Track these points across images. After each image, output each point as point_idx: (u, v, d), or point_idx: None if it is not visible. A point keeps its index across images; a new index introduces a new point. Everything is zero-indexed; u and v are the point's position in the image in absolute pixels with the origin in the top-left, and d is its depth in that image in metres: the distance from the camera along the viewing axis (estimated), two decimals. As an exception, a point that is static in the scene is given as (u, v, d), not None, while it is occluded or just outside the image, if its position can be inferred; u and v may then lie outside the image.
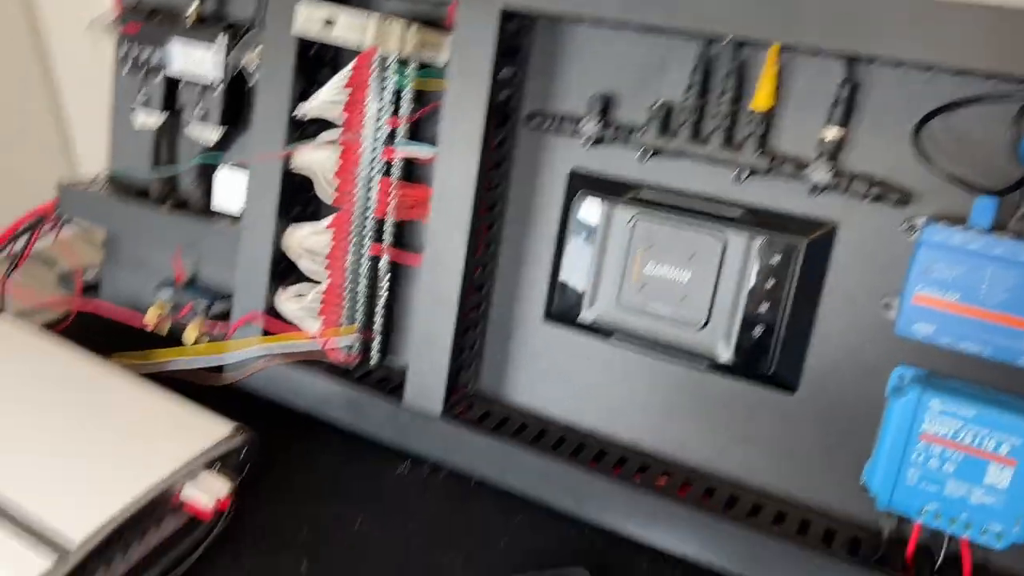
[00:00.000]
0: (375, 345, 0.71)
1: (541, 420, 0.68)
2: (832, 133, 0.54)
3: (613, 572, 0.60)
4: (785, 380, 0.59)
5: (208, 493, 0.60)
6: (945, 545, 0.54)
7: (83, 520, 0.55)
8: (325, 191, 0.69)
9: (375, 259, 0.69)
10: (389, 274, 0.69)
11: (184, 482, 0.60)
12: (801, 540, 0.56)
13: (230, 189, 0.75)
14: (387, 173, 0.67)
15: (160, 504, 0.58)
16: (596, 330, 0.64)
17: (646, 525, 0.60)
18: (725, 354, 0.60)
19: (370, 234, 0.68)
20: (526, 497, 0.64)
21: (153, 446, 0.62)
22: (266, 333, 0.72)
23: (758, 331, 0.58)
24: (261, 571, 0.58)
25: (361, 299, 0.70)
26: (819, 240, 0.57)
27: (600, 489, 0.61)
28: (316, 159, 0.68)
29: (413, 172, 0.69)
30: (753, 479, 0.61)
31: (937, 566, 0.54)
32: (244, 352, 0.72)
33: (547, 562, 0.60)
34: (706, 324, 0.60)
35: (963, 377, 0.54)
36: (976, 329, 0.50)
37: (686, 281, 0.60)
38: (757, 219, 0.58)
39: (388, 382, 0.70)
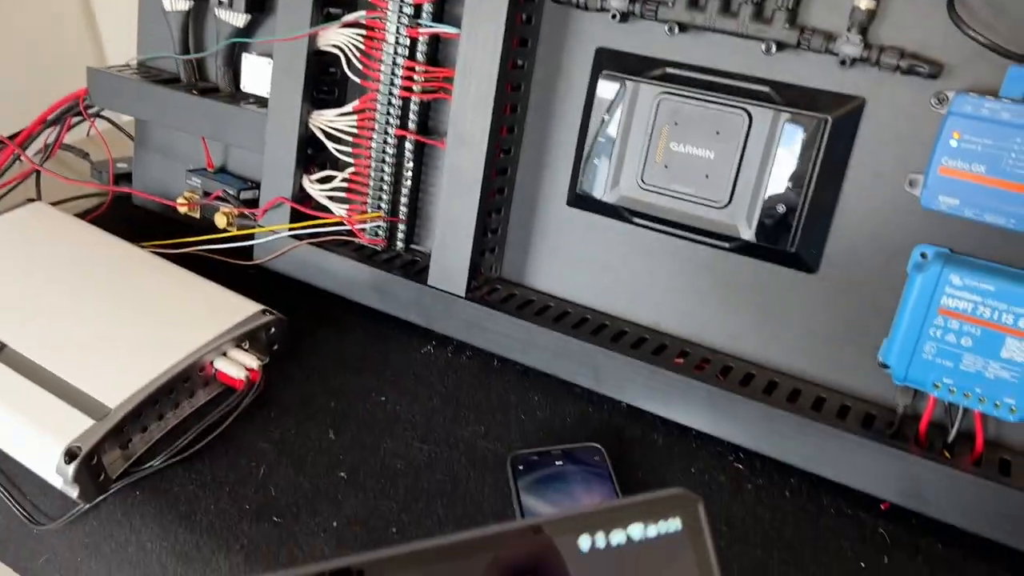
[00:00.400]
0: (401, 229, 0.72)
1: (563, 303, 0.69)
2: (864, 3, 0.53)
3: (628, 447, 0.61)
4: (806, 260, 0.59)
5: (238, 367, 0.62)
6: (959, 420, 0.55)
7: (118, 389, 0.58)
8: (353, 71, 0.69)
9: (401, 143, 0.70)
10: (414, 158, 0.70)
11: (213, 357, 0.62)
12: (815, 415, 0.57)
13: (257, 74, 0.76)
14: (412, 55, 0.67)
15: (190, 376, 0.61)
16: (619, 212, 0.64)
17: (662, 401, 0.61)
18: (747, 233, 0.60)
19: (396, 116, 0.68)
20: (543, 375, 0.66)
21: (183, 324, 0.64)
22: (295, 217, 0.73)
23: (780, 209, 0.58)
24: (290, 438, 0.60)
25: (387, 183, 0.70)
26: (846, 116, 0.56)
27: (618, 366, 0.62)
28: (341, 39, 0.68)
29: (439, 54, 0.68)
30: (770, 359, 0.62)
31: (950, 439, 0.55)
32: (272, 235, 0.73)
33: (564, 438, 0.62)
34: (729, 202, 0.60)
35: (984, 255, 0.54)
36: (1001, 201, 0.49)
37: (710, 159, 0.59)
38: (783, 96, 0.57)
39: (414, 265, 0.71)
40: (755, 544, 0.54)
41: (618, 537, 0.28)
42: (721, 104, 0.58)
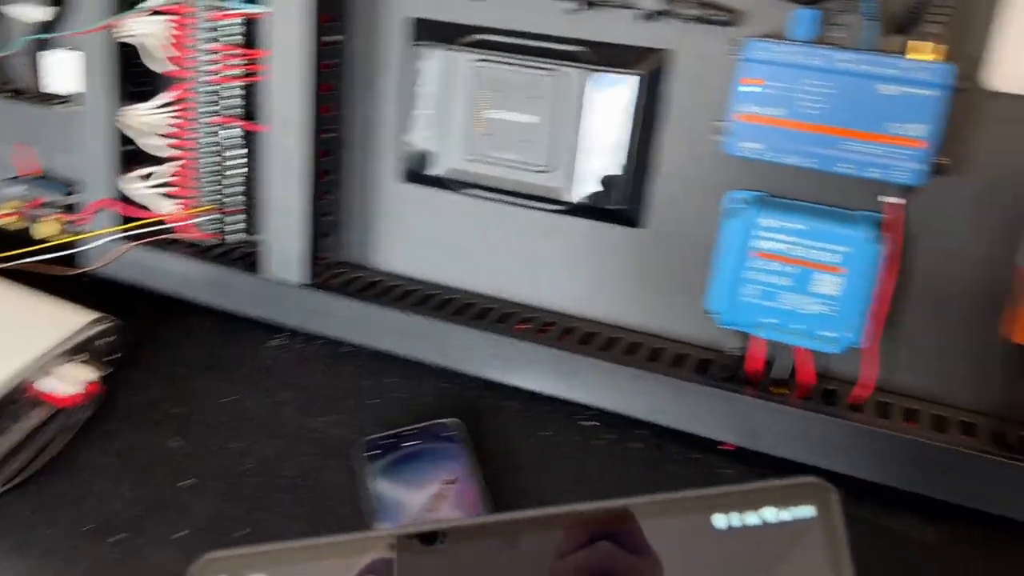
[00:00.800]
0: (235, 221, 0.70)
1: (408, 281, 0.68)
2: (656, -45, 0.53)
3: (483, 418, 0.61)
4: (631, 216, 0.60)
5: (70, 383, 0.59)
6: (785, 357, 0.56)
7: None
8: (156, 61, 0.66)
9: (224, 131, 0.67)
10: (241, 145, 0.67)
11: (41, 375, 0.59)
12: (652, 366, 0.58)
13: (64, 71, 0.72)
14: (223, 39, 0.64)
15: (17, 399, 0.58)
16: (448, 184, 0.64)
17: (507, 369, 0.61)
18: (571, 194, 0.60)
19: (213, 104, 0.66)
20: (396, 356, 0.65)
21: (8, 344, 0.60)
22: (124, 219, 0.70)
23: (601, 168, 0.58)
24: (133, 450, 0.58)
25: (215, 174, 0.68)
26: (656, 70, 0.56)
27: (462, 339, 0.62)
28: (146, 28, 0.65)
29: (254, 35, 0.66)
30: (609, 315, 0.63)
31: (778, 376, 0.57)
32: (99, 240, 0.70)
33: (421, 416, 0.61)
34: (551, 165, 0.60)
35: (792, 196, 0.55)
36: (799, 142, 0.50)
37: (528, 124, 0.59)
38: (595, 54, 0.57)
39: (251, 257, 0.69)
40: (605, 497, 0.55)
41: (752, 518, 0.28)
42: (533, 67, 0.58)
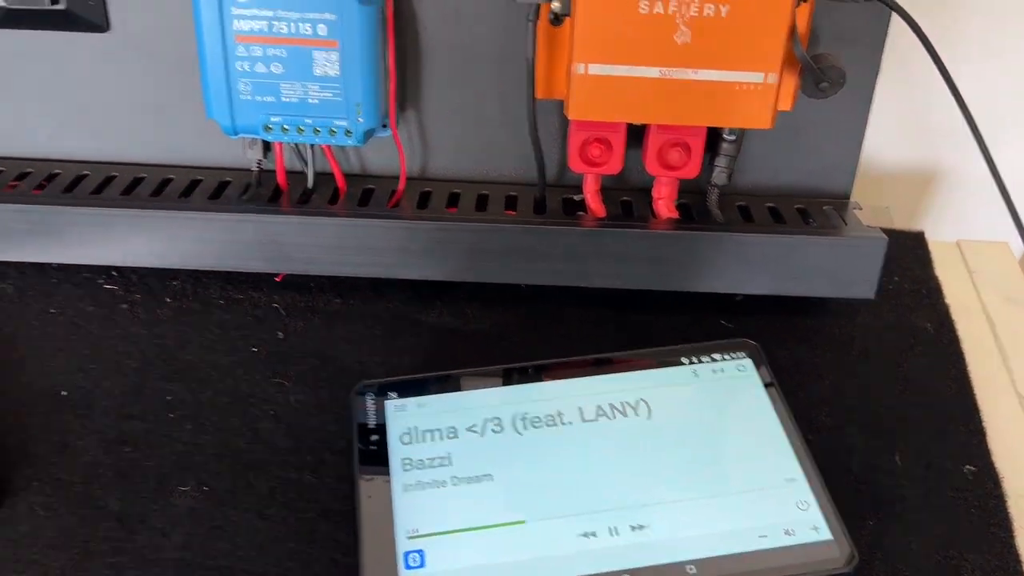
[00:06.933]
0: None
1: None
2: None
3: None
4: (87, 17, 0.47)
5: None
6: (310, 159, 0.49)
7: None
8: None
9: None
10: None
11: None
12: (182, 202, 0.48)
13: None
14: None
15: None
16: None
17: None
18: (0, -1, 0.46)
19: None
20: None
21: None
22: None
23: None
24: None
25: None
26: None
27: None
28: None
29: None
30: (99, 152, 0.51)
31: (310, 184, 0.49)
32: None
33: None
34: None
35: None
36: None
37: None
38: None
39: None
40: (157, 366, 0.46)
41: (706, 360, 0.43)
42: None
